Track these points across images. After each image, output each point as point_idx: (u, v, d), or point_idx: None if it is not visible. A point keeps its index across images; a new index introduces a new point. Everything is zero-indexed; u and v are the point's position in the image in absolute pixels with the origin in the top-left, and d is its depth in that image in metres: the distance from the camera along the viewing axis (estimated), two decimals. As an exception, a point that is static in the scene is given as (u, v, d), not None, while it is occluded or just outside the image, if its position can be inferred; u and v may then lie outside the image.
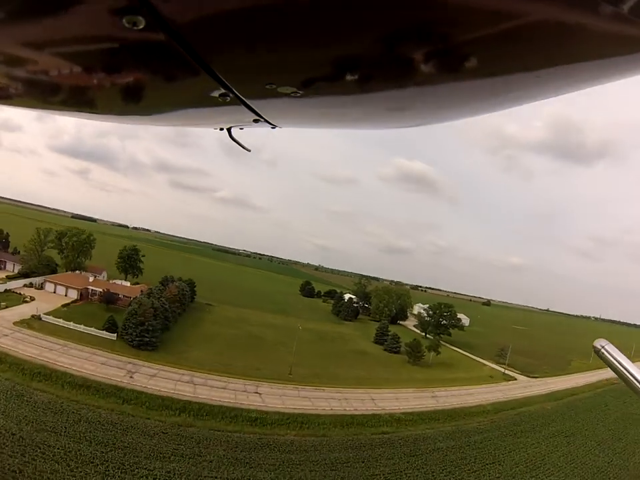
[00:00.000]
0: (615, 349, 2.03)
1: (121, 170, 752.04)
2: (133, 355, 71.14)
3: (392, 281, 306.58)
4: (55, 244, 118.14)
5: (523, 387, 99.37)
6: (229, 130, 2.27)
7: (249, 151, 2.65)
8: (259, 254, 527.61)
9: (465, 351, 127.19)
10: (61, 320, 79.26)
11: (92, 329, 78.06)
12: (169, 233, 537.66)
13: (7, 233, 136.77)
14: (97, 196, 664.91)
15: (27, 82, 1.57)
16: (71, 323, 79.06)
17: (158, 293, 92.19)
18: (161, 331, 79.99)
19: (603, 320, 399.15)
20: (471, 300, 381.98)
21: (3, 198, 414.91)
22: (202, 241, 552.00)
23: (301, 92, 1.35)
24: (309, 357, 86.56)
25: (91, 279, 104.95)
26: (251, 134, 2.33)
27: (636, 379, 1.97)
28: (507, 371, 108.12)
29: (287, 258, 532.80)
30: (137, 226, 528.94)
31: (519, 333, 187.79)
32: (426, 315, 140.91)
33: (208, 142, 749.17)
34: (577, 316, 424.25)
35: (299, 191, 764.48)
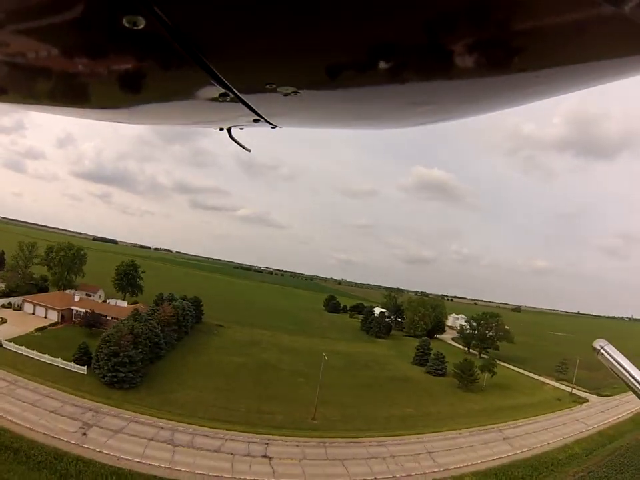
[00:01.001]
0: (614, 349, 2.05)
1: (141, 192, 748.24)
2: (102, 396, 51.82)
3: (416, 292, 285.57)
4: (45, 260, 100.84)
5: (600, 410, 79.77)
6: (228, 130, 2.22)
7: (249, 150, 2.59)
8: (281, 270, 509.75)
9: (516, 366, 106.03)
10: (23, 348, 61.62)
11: (58, 359, 59.52)
12: (191, 253, 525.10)
13: (2, 251, 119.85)
14: (118, 218, 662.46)
15: (27, 81, 1.52)
16: (34, 351, 61.01)
17: (149, 314, 72.91)
18: (148, 362, 60.81)
19: (636, 320, 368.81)
20: (499, 307, 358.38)
21: (26, 222, 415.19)
22: (224, 259, 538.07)
23: (300, 92, 1.31)
24: (338, 391, 65.68)
25: (77, 298, 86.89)
26: (251, 134, 2.30)
27: (636, 380, 1.98)
28: (574, 391, 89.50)
29: (309, 273, 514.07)
30: (159, 247, 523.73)
31: (562, 340, 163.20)
32: (468, 326, 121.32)
33: (226, 161, 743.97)
34: (608, 317, 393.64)
35: (318, 206, 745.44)
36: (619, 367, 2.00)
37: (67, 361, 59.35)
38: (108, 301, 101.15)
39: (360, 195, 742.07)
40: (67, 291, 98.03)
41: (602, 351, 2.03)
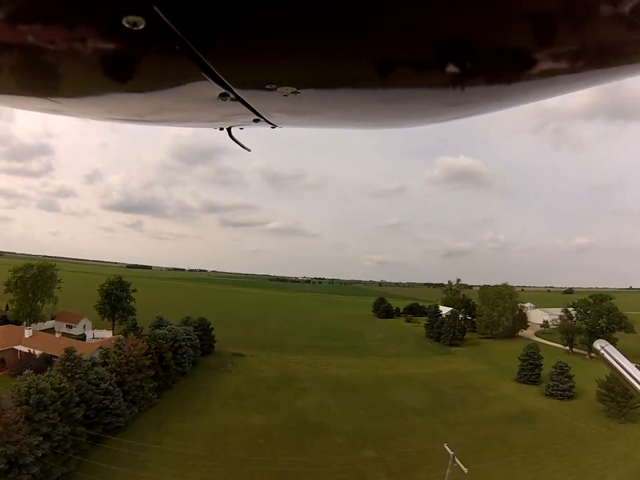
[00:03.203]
0: (615, 349, 2.04)
1: (170, 217, 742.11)
2: None
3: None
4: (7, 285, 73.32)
5: None
6: (228, 130, 2.19)
7: (249, 150, 2.55)
8: (319, 278, 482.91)
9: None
10: None
11: None
12: (226, 271, 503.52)
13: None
14: (151, 244, 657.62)
15: (25, 81, 1.46)
16: None
17: (104, 354, 43.21)
18: (83, 446, 30.85)
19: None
20: (548, 290, 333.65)
21: (64, 258, 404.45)
22: (259, 274, 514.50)
23: (300, 92, 1.28)
24: (435, 457, 33.35)
25: (29, 334, 58.28)
26: (252, 134, 2.27)
27: (636, 380, 1.96)
28: None
29: (348, 279, 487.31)
30: (193, 268, 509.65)
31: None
32: (566, 317, 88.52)
33: (251, 176, 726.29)
34: None
35: (347, 210, 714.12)
36: (619, 367, 1.97)
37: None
38: (93, 331, 73.50)
39: (388, 194, 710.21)
40: (54, 322, 75.41)
41: (602, 351, 2.00)
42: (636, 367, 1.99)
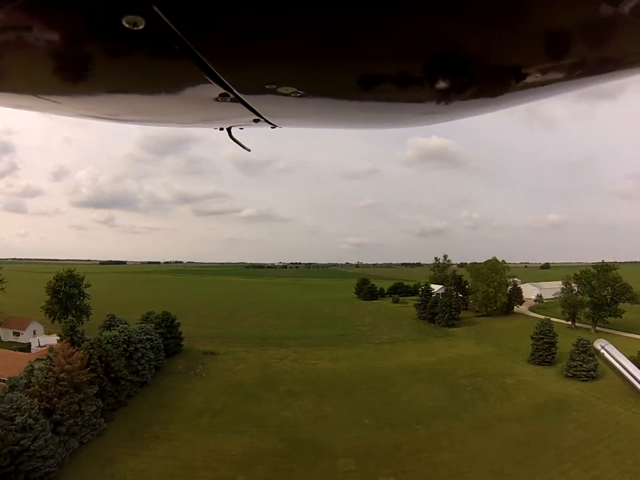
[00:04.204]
0: (615, 349, 2.06)
1: (143, 210, 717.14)
2: None
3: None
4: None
5: None
6: (229, 130, 2.17)
7: (249, 150, 2.54)
8: (295, 263, 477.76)
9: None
10: None
11: None
12: (202, 261, 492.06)
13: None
14: (125, 239, 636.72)
15: (24, 80, 1.44)
16: None
17: (29, 371, 32.72)
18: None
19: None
20: (525, 266, 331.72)
21: (37, 260, 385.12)
22: (235, 262, 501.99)
23: (301, 92, 1.28)
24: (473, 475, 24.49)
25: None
26: (251, 134, 2.25)
27: (636, 379, 1.97)
28: None
29: (324, 262, 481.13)
30: (169, 260, 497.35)
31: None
32: (568, 290, 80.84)
33: (222, 164, 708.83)
34: (632, 262, 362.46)
35: (320, 194, 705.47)
36: (619, 366, 1.98)
37: None
38: (40, 337, 61.99)
39: (361, 175, 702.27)
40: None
41: (602, 350, 2.03)
42: (636, 366, 1.98)
